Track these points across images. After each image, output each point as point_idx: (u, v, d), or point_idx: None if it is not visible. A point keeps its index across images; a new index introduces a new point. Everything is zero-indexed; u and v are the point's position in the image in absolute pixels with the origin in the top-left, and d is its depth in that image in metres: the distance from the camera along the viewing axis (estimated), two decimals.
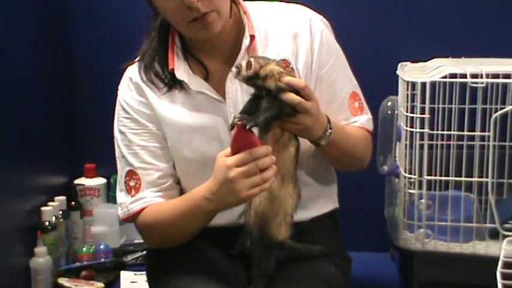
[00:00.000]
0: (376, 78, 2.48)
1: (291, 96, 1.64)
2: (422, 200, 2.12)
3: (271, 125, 1.68)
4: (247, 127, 1.60)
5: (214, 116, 1.86)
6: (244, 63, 1.65)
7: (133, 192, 1.89)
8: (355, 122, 1.97)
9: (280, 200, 1.74)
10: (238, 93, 1.83)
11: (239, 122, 1.61)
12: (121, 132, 1.91)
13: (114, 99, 1.98)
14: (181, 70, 1.86)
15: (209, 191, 1.69)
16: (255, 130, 1.67)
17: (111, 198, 2.86)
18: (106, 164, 2.72)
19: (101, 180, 2.89)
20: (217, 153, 1.69)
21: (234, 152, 1.64)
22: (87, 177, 2.88)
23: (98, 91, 2.79)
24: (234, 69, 1.67)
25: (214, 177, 1.67)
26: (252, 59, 1.65)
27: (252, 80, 1.67)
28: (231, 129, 1.65)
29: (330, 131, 1.77)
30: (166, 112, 1.87)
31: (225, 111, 1.85)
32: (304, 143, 1.79)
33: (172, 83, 1.86)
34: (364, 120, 1.97)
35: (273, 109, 1.65)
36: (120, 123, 1.92)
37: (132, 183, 1.89)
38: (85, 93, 2.90)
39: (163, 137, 1.90)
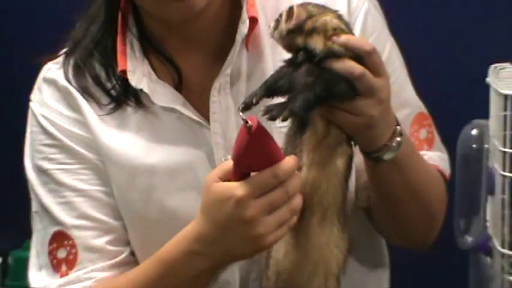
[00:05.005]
0: (453, 90, 2.24)
1: (349, 65, 1.22)
2: None
3: (312, 114, 1.26)
4: (282, 118, 1.19)
5: (191, 149, 1.41)
6: (285, 12, 1.30)
7: (64, 268, 1.40)
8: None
9: (319, 252, 1.29)
10: (231, 113, 1.39)
11: (263, 116, 1.19)
12: (40, 170, 1.43)
13: (20, 117, 1.48)
14: (138, 73, 1.40)
15: (202, 240, 1.25)
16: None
17: None
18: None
19: None
20: (193, 210, 1.27)
21: (243, 170, 1.21)
22: None
23: None
24: (272, 23, 1.29)
25: (209, 217, 1.24)
26: (295, 5, 1.30)
27: (291, 36, 1.28)
28: (246, 125, 1.16)
29: (399, 138, 1.31)
30: (111, 142, 1.42)
31: (207, 141, 1.41)
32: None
33: (124, 96, 1.41)
34: (436, 156, 1.54)
35: (319, 85, 1.23)
36: (38, 155, 1.44)
37: (61, 254, 1.40)
38: None
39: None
